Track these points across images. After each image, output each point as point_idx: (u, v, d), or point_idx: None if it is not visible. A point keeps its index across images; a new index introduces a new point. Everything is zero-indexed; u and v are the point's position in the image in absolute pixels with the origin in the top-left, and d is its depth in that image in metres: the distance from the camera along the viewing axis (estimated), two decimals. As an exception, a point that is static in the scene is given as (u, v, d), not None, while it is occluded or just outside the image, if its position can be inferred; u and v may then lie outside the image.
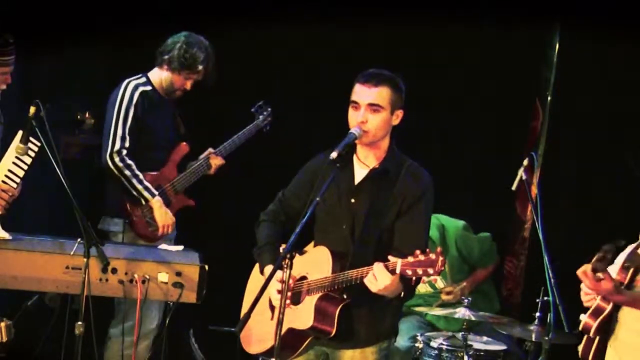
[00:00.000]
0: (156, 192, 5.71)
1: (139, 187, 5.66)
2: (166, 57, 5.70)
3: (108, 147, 5.61)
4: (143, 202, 5.67)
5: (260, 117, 6.17)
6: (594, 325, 4.20)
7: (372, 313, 4.40)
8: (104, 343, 5.66)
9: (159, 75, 5.77)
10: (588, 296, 4.29)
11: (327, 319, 4.31)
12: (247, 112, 6.16)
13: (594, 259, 4.15)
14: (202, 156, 5.98)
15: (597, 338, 4.22)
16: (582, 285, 4.28)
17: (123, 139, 5.63)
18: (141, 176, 5.67)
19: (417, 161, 4.52)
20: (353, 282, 4.24)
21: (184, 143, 5.91)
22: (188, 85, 5.75)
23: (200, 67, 5.69)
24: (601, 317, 4.21)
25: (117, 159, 5.62)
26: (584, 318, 4.23)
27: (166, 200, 5.78)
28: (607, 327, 4.25)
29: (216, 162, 5.96)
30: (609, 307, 4.22)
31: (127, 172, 5.65)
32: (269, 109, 6.21)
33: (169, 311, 5.31)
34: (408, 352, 5.61)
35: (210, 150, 5.98)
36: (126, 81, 5.71)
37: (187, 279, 5.20)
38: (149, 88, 5.73)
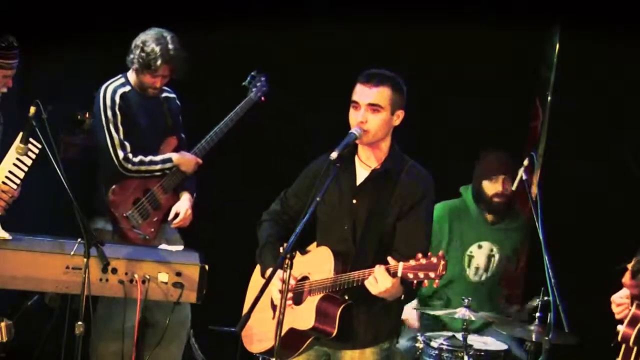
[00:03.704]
0: (170, 155, 5.78)
1: (157, 167, 5.75)
2: (129, 59, 5.68)
3: (115, 160, 5.65)
4: (168, 170, 5.77)
5: (254, 89, 6.10)
6: (633, 333, 4.19)
7: (372, 314, 4.40)
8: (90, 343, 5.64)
9: (133, 76, 5.75)
10: (620, 307, 4.29)
11: (329, 320, 4.31)
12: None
13: (633, 263, 4.19)
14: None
15: (636, 348, 4.22)
16: (614, 298, 4.30)
17: (123, 146, 5.66)
18: (153, 158, 5.73)
19: (417, 161, 4.52)
20: (354, 284, 4.24)
21: (172, 137, 5.87)
22: (158, 83, 5.69)
23: (160, 63, 5.60)
24: (639, 326, 4.21)
25: (128, 165, 5.68)
26: (621, 328, 4.22)
27: (155, 202, 5.78)
28: None
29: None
30: None
31: (143, 167, 5.71)
32: (263, 78, 6.14)
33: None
34: (408, 352, 5.61)
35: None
36: (104, 86, 5.70)
37: (187, 279, 5.21)
38: (128, 89, 5.71)
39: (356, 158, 4.48)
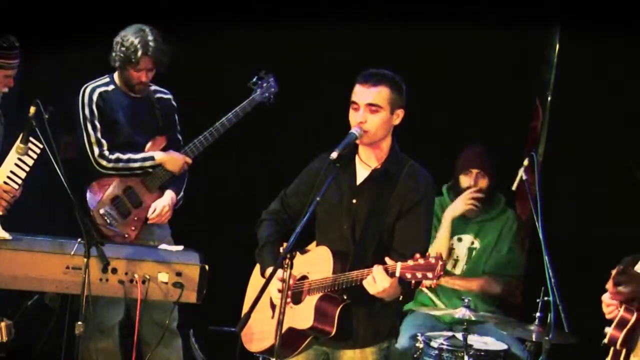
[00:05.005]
0: (152, 154, 5.76)
1: (136, 165, 5.73)
2: (111, 57, 5.70)
3: (91, 157, 5.66)
4: (151, 169, 5.75)
5: (259, 90, 6.02)
6: (621, 336, 4.20)
7: (371, 313, 4.41)
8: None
9: (118, 75, 5.76)
10: (610, 307, 4.30)
11: (327, 319, 4.32)
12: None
13: (614, 273, 4.19)
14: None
15: (624, 350, 4.22)
16: (604, 298, 4.30)
17: (99, 143, 5.67)
18: (132, 156, 5.71)
19: (417, 161, 4.53)
20: (353, 283, 4.25)
21: (161, 137, 5.84)
22: (143, 77, 5.68)
23: (140, 54, 5.60)
24: (627, 328, 4.21)
25: (104, 162, 5.68)
26: (609, 330, 4.23)
27: (136, 200, 5.76)
28: (631, 338, 4.24)
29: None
30: (633, 318, 4.22)
31: (121, 165, 5.70)
32: (272, 79, 6.05)
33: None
34: (408, 352, 5.61)
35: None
36: (84, 86, 5.73)
37: (187, 279, 5.22)
38: (110, 88, 5.73)
39: (356, 158, 4.49)
